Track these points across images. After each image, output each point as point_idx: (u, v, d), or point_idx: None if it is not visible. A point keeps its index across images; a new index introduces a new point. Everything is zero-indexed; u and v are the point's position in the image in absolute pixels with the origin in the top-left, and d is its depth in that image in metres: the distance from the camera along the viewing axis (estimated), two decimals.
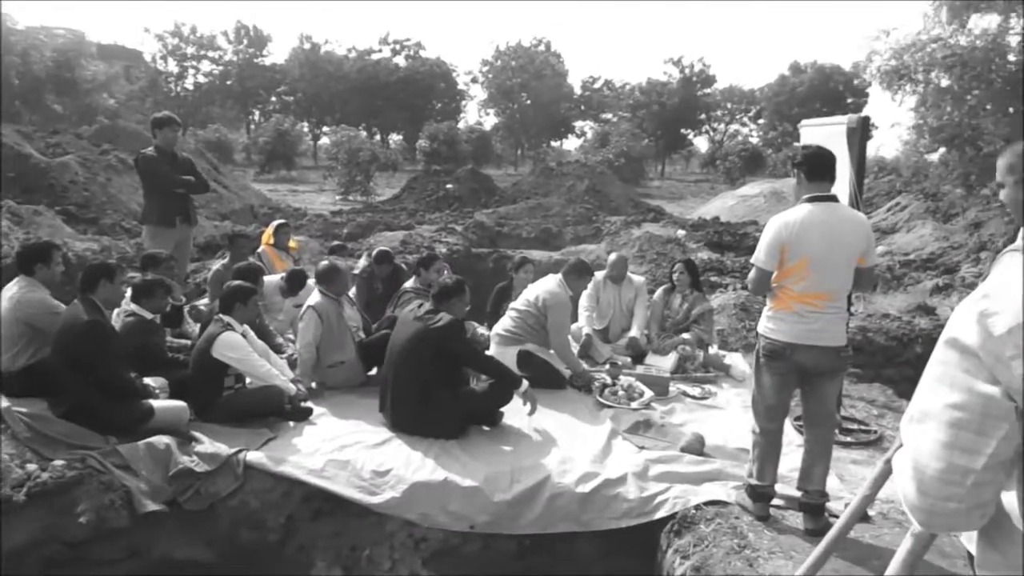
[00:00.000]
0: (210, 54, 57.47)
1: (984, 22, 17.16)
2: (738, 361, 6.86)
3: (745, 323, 7.91)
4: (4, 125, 16.12)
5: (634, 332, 6.80)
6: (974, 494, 1.20)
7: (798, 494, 3.80)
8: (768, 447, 3.82)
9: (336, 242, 9.00)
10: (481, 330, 7.01)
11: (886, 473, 2.26)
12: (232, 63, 57.55)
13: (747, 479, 3.92)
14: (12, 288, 4.98)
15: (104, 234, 11.04)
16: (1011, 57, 16.85)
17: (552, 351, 6.08)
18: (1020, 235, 2.50)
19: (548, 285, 6.13)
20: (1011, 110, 16.66)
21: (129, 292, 5.23)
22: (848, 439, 5.02)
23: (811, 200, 3.62)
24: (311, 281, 7.08)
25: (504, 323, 6.17)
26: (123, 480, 4.10)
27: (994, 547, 1.29)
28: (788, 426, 4.30)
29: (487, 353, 5.76)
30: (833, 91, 50.16)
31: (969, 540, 1.41)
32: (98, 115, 31.94)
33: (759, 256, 3.69)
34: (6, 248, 8.17)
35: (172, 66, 56.63)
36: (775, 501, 3.90)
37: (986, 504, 1.23)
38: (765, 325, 3.75)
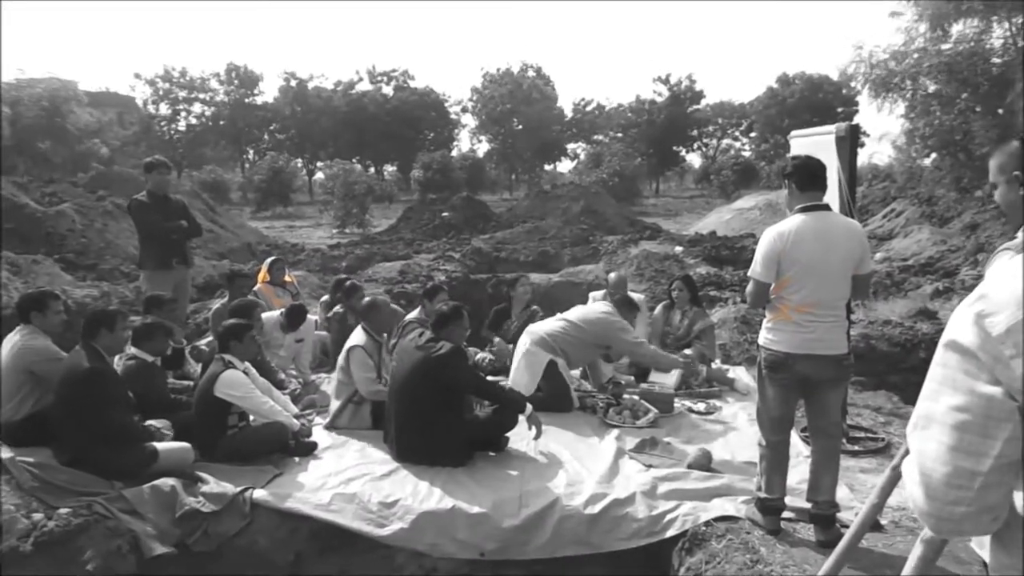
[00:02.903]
0: (201, 96, 57.97)
1: (965, 28, 17.32)
2: (742, 374, 6.84)
3: (747, 336, 7.90)
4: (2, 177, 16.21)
5: None
6: (982, 497, 1.18)
7: (808, 506, 3.76)
8: (775, 459, 3.80)
9: (341, 276, 8.98)
10: (482, 355, 7.00)
11: (894, 480, 2.24)
12: (224, 103, 57.99)
13: (756, 493, 3.88)
14: (14, 337, 4.98)
15: (103, 279, 11.03)
16: (995, 60, 16.98)
17: (574, 372, 6.22)
18: (1020, 233, 2.50)
19: (600, 307, 6.29)
20: (999, 111, 16.76)
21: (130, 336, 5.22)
22: (855, 448, 4.98)
23: (803, 210, 3.62)
24: (311, 316, 7.09)
25: (550, 327, 6.08)
26: (129, 525, 4.07)
27: (1006, 550, 1.27)
28: (795, 438, 4.27)
29: (489, 378, 5.75)
30: (823, 101, 50.25)
31: (981, 547, 1.38)
32: (92, 162, 32.08)
33: (756, 268, 3.68)
34: (5, 299, 8.17)
35: (164, 110, 57.17)
36: (785, 514, 3.87)
37: (995, 507, 1.20)
38: (765, 336, 3.74)
